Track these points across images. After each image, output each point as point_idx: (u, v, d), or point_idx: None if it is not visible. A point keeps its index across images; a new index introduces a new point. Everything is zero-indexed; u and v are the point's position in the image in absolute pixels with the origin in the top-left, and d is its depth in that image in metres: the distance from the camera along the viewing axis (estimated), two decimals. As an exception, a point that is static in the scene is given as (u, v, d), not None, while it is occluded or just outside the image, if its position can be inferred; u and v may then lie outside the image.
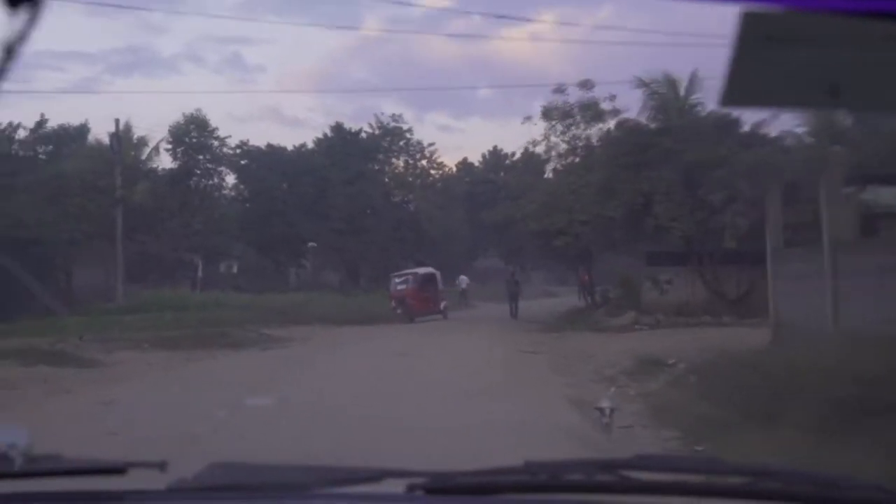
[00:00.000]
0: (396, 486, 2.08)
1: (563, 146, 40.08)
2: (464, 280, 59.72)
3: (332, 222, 61.32)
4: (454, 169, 77.07)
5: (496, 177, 78.51)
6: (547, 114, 39.79)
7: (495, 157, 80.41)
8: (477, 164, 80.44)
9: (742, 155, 30.26)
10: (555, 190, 38.38)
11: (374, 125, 68.87)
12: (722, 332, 28.57)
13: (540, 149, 41.01)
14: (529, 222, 38.93)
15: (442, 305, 44.99)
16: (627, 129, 33.74)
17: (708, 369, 17.68)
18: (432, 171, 72.45)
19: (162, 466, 2.16)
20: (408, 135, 69.64)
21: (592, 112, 38.90)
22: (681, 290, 34.26)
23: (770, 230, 22.72)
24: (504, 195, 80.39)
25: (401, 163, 70.46)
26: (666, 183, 31.75)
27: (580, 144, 39.72)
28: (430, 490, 2.04)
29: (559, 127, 39.77)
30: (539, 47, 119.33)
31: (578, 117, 39.41)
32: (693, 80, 36.26)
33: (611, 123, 38.55)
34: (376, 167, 67.54)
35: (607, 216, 33.06)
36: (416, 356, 24.63)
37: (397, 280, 46.19)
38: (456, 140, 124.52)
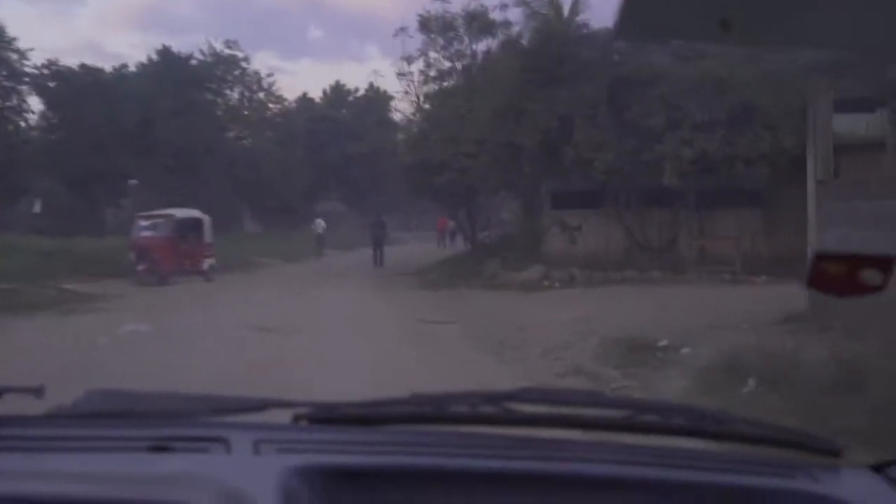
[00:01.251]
0: (281, 416, 1.93)
1: (444, 63, 32.21)
2: (320, 224, 50.68)
3: (158, 158, 51.74)
4: (293, 104, 68.06)
5: (338, 114, 70.02)
6: (425, 24, 31.76)
7: (337, 93, 71.75)
8: (318, 100, 71.60)
9: (683, 69, 23.05)
10: (436, 116, 30.50)
11: (206, 52, 59.40)
12: (672, 290, 21.64)
13: (416, 67, 32.78)
14: (403, 155, 31.08)
15: (206, 264, 31.61)
16: (542, 36, 25.91)
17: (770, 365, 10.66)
18: (270, 105, 63.42)
19: (38, 392, 2.00)
20: (243, 64, 60.39)
21: (481, 23, 31.13)
22: (592, 238, 27.07)
23: (817, 156, 15.50)
24: (347, 133, 72.70)
25: (236, 95, 61.20)
26: (588, 103, 24.31)
27: (464, 62, 31.95)
28: (315, 420, 1.93)
29: (440, 40, 31.87)
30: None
31: (462, 29, 31.61)
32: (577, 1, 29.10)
33: (501, 37, 30.97)
34: (209, 98, 58.08)
35: (514, 145, 25.34)
36: (286, 333, 16.45)
37: (143, 224, 31.60)
38: (287, 83, 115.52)
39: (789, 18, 1.68)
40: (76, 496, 1.52)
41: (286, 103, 65.30)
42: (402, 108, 32.70)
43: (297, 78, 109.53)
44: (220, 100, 59.44)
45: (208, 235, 32.42)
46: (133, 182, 53.21)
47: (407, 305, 21.77)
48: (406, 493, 1.72)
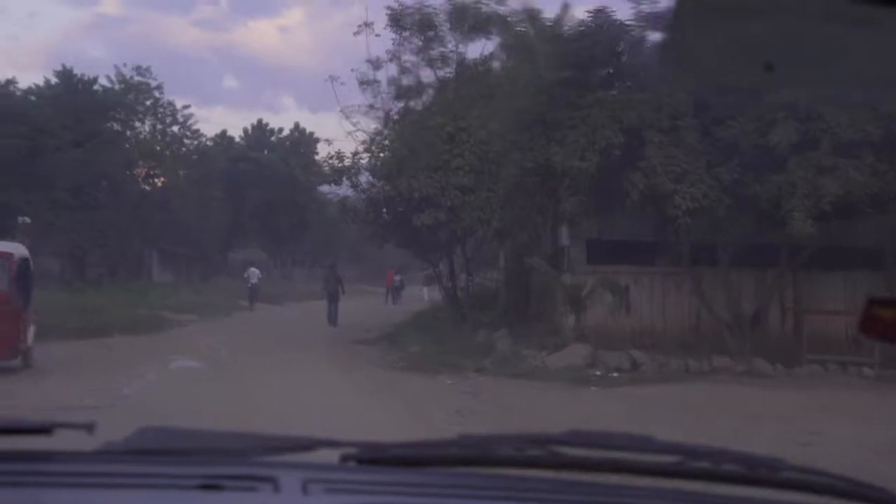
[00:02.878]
0: (329, 457, 1.86)
1: (423, 69, 23.56)
2: (254, 273, 40.79)
3: (54, 193, 41.93)
4: (210, 142, 58.57)
5: (260, 155, 60.82)
6: (396, 19, 23.10)
7: (260, 133, 62.52)
8: (238, 139, 62.25)
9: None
10: (416, 136, 21.80)
11: (115, 77, 49.89)
12: (818, 397, 13.42)
13: (385, 74, 23.88)
14: (375, 187, 22.37)
15: (27, 336, 16.96)
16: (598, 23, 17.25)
17: None
18: (186, 141, 53.97)
19: (89, 428, 1.90)
20: (157, 93, 51.01)
21: (474, 18, 22.68)
22: (645, 306, 18.59)
23: None
24: (269, 175, 63.54)
25: (147, 127, 51.64)
26: (666, 112, 15.91)
27: (448, 69, 23.38)
28: (363, 460, 1.86)
29: (416, 41, 23.28)
30: (289, 40, 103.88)
31: (447, 27, 23.12)
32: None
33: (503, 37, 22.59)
34: (115, 128, 48.44)
35: (550, 170, 16.70)
36: None
37: None
38: (204, 127, 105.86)
39: (832, 61, 1.57)
40: None
41: (203, 140, 55.89)
42: (362, 129, 22.79)
43: (213, 124, 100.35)
44: (128, 131, 49.82)
45: (28, 289, 17.47)
46: (24, 220, 43.22)
47: (418, 414, 12.87)
48: None
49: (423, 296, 51.93)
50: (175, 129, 52.38)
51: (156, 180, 51.89)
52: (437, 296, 51.90)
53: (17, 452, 1.79)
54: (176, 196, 50.80)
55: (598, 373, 16.14)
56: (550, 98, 17.12)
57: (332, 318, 30.17)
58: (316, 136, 62.30)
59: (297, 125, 62.78)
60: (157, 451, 1.85)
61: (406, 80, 23.42)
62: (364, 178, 22.74)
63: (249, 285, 39.79)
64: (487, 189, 20.47)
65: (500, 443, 1.95)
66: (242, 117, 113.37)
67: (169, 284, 47.77)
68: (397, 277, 47.84)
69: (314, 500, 1.64)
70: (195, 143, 54.33)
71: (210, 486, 1.64)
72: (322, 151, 64.99)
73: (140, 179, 50.73)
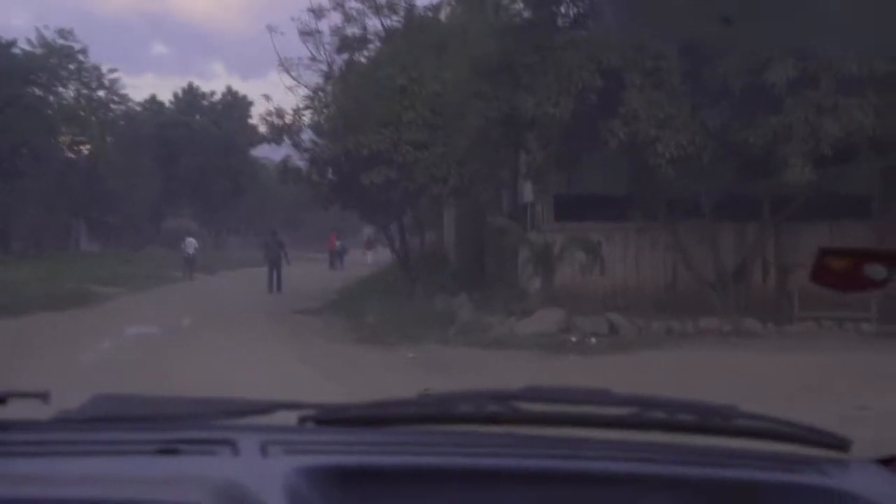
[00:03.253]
0: (288, 419, 1.82)
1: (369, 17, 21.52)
2: (191, 243, 38.24)
3: (-32, 161, 39.21)
4: (139, 108, 55.67)
5: (192, 119, 58.12)
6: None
7: (191, 97, 59.69)
8: (168, 103, 59.38)
9: None
10: (363, 90, 19.80)
11: (36, 41, 46.84)
12: (833, 360, 11.96)
13: (328, 24, 21.73)
14: (319, 145, 20.36)
15: None
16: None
17: None
18: (112, 107, 51.07)
19: (44, 397, 1.86)
20: (80, 57, 48.01)
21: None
22: (619, 265, 16.97)
23: None
24: (202, 141, 60.77)
25: (71, 92, 48.66)
26: (648, 53, 14.15)
27: (396, 16, 21.38)
28: (321, 421, 1.85)
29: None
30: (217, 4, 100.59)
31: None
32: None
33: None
34: (36, 93, 45.46)
35: (517, 119, 14.88)
36: None
37: None
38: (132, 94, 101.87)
39: (788, 16, 1.56)
40: (84, 499, 1.47)
41: (131, 105, 53.00)
42: (304, 84, 20.57)
43: (141, 90, 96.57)
44: (51, 97, 46.83)
45: None
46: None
47: (381, 394, 11.11)
48: (413, 494, 1.65)
49: (365, 260, 50.15)
50: (101, 94, 49.46)
51: (81, 147, 49.08)
52: (381, 259, 50.37)
53: None
54: (103, 163, 48.07)
55: (574, 339, 14.49)
56: (517, 40, 15.32)
57: (276, 285, 28.64)
58: (249, 99, 59.83)
59: (229, 88, 60.35)
60: (114, 418, 1.81)
61: (351, 30, 21.38)
62: (307, 136, 20.75)
63: (186, 255, 37.53)
64: (442, 144, 18.63)
65: (459, 400, 1.92)
66: (172, 85, 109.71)
67: (98, 255, 45.28)
68: (339, 242, 45.83)
69: (273, 462, 1.60)
70: (122, 108, 51.41)
71: (168, 451, 1.61)
72: (259, 111, 62.79)
73: (65, 147, 47.87)
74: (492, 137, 16.19)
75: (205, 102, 59.68)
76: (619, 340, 14.38)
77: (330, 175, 19.95)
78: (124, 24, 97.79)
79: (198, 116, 58.60)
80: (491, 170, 17.57)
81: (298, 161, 21.35)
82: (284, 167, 21.51)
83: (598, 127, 14.11)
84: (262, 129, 20.94)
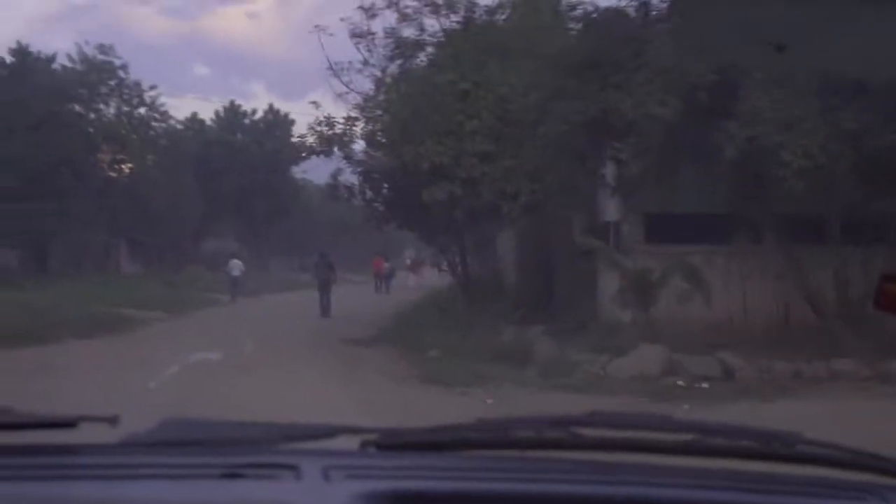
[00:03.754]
0: (350, 443, 1.84)
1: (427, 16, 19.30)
2: (236, 265, 36.67)
3: (7, 181, 37.44)
4: (180, 126, 53.95)
5: (233, 138, 56.37)
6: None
7: (232, 115, 57.98)
8: (210, 121, 57.67)
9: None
10: (421, 96, 17.56)
11: (76, 56, 45.28)
12: None
13: (381, 24, 19.50)
14: (373, 158, 18.17)
15: None
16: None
17: None
18: (154, 125, 49.34)
19: (113, 421, 1.87)
20: (121, 73, 46.34)
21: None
22: (720, 292, 14.57)
23: None
24: (244, 160, 58.97)
25: (112, 110, 46.97)
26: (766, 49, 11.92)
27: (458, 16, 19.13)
28: (382, 446, 1.83)
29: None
30: (257, 26, 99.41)
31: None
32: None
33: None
34: (77, 110, 43.88)
35: (608, 123, 12.58)
36: None
37: None
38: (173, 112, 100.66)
39: (834, 43, 1.54)
40: None
41: (172, 122, 51.25)
42: (355, 90, 18.15)
43: (183, 111, 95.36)
44: (91, 114, 45.22)
45: None
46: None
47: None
48: None
49: (408, 283, 47.93)
50: (142, 111, 47.68)
51: (122, 166, 47.35)
52: (424, 283, 48.09)
53: (43, 446, 1.75)
54: (144, 182, 46.29)
55: (681, 383, 12.13)
56: (603, 34, 13.04)
57: (325, 310, 27.01)
58: (291, 117, 58.00)
59: (270, 107, 58.34)
60: (179, 442, 1.81)
61: (407, 31, 19.16)
62: (359, 147, 18.59)
63: (231, 277, 35.81)
64: (511, 156, 16.39)
65: (519, 425, 1.92)
66: (213, 106, 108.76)
67: (138, 276, 43.48)
68: (387, 264, 43.69)
69: (335, 487, 1.60)
70: (163, 126, 49.61)
71: (231, 475, 1.61)
72: (306, 121, 60.91)
73: (105, 165, 46.18)
74: (573, 145, 13.90)
75: (246, 121, 57.92)
76: (737, 385, 11.99)
77: (384, 190, 17.74)
78: (165, 46, 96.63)
79: (239, 135, 56.85)
80: (570, 184, 15.28)
81: (350, 175, 19.17)
82: (335, 182, 19.32)
83: (707, 131, 11.77)
84: (311, 139, 18.77)
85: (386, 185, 17.57)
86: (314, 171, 72.55)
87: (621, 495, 1.66)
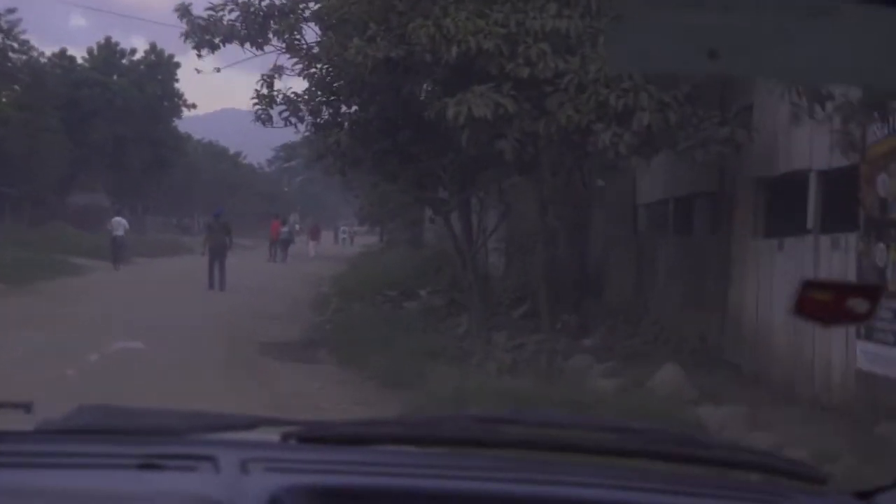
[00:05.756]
0: (271, 434, 1.72)
1: None
2: (120, 223, 29.30)
3: None
4: (45, 60, 44.87)
5: (109, 79, 47.65)
6: None
7: (108, 53, 49.01)
8: (81, 60, 48.62)
9: None
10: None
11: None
12: None
13: None
14: (335, 46, 10.52)
15: None
16: None
17: None
18: (12, 55, 40.33)
19: (27, 407, 1.75)
20: (-28, -9, 37.32)
21: None
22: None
23: None
24: (121, 105, 50.14)
25: (-43, 33, 37.89)
26: None
27: None
28: (304, 439, 1.72)
29: None
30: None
31: None
32: None
33: None
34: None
35: None
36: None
37: None
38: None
39: (771, 51, 1.51)
40: None
41: (36, 56, 42.29)
42: None
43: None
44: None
45: None
46: None
47: None
48: None
49: (308, 252, 40.77)
50: (-3, 38, 38.72)
51: (-32, 101, 38.41)
52: (323, 251, 40.78)
53: None
54: (-2, 123, 37.52)
55: None
56: None
57: (219, 281, 21.30)
58: (176, 59, 49.63)
59: (153, 46, 49.61)
60: (96, 430, 1.71)
61: None
62: (311, 36, 11.05)
63: (113, 237, 29.02)
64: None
65: (444, 422, 1.86)
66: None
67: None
68: (284, 228, 36.29)
69: (254, 479, 1.51)
70: (24, 58, 40.64)
71: (150, 466, 1.54)
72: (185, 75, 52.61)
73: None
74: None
75: (125, 61, 49.14)
76: None
77: (353, 108, 10.33)
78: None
79: (116, 77, 48.09)
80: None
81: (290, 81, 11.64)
82: (266, 94, 11.28)
83: None
84: (232, 20, 10.88)
85: (358, 97, 10.13)
86: (193, 124, 63.67)
87: (541, 495, 1.62)
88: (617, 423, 1.91)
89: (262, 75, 10.50)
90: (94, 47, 48.47)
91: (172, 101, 49.63)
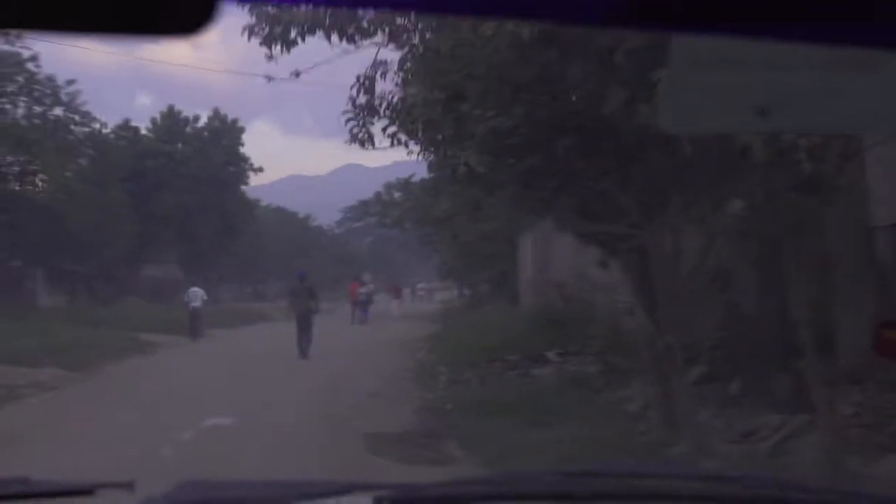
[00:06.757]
0: (365, 499, 1.71)
1: None
2: (197, 294, 27.35)
3: None
4: (109, 132, 43.02)
5: (173, 148, 45.74)
6: None
7: (172, 122, 47.17)
8: (145, 131, 46.84)
9: None
10: None
11: (-27, 45, 34.31)
12: None
13: None
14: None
15: None
16: None
17: None
18: (74, 128, 38.50)
19: (130, 486, 1.79)
20: (31, 66, 35.51)
21: None
22: None
23: None
24: (186, 173, 48.17)
25: (20, 109, 36.10)
26: None
27: None
28: (397, 501, 1.73)
29: None
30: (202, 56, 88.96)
31: None
32: None
33: None
34: (-26, 108, 33.08)
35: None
36: None
37: None
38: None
39: (820, 104, 1.50)
40: None
41: (98, 128, 40.44)
42: None
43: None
44: (-6, 116, 34.40)
45: None
46: None
47: None
48: None
49: (391, 311, 37.92)
50: (58, 111, 36.85)
51: (34, 178, 36.51)
52: (411, 311, 37.85)
53: None
54: (64, 198, 35.50)
55: None
56: None
57: (305, 351, 19.18)
58: (241, 123, 47.63)
59: (216, 112, 47.69)
60: None
61: None
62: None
63: (191, 309, 27.04)
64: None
65: (532, 478, 1.83)
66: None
67: (56, 311, 32.68)
68: (362, 289, 33.43)
69: None
70: (86, 130, 38.77)
71: None
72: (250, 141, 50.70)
73: (11, 177, 35.36)
74: None
75: (188, 129, 47.20)
76: None
77: (487, 114, 7.08)
78: (108, 77, 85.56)
79: (180, 145, 46.15)
80: None
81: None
82: (367, 95, 7.80)
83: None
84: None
85: (497, 97, 6.85)
86: (260, 192, 61.63)
87: None
88: (711, 472, 2.04)
89: (359, 77, 7.59)
90: (157, 117, 46.59)
91: (239, 166, 47.52)
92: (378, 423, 10.53)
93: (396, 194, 52.33)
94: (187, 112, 47.82)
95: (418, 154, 8.89)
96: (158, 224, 44.43)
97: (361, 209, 69.38)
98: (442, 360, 16.00)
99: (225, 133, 47.07)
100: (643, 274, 7.90)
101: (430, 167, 8.64)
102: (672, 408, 7.67)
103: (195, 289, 27.86)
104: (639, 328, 8.78)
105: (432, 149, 7.78)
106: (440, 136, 7.23)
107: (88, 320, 27.75)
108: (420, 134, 7.48)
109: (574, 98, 6.60)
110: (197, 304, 27.00)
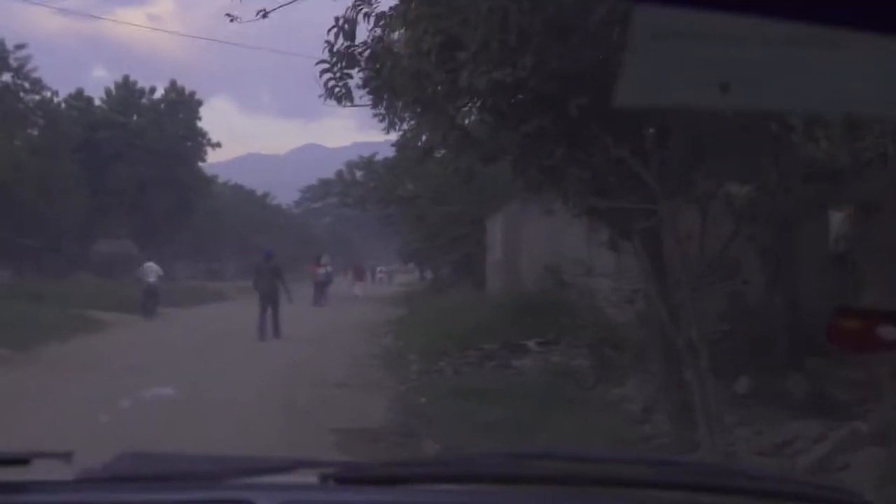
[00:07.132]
0: (309, 476, 1.65)
1: None
2: (152, 269, 25.79)
3: None
4: (61, 101, 41.17)
5: (128, 120, 44.04)
6: None
7: (126, 92, 45.33)
8: (99, 102, 44.94)
9: None
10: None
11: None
12: None
13: None
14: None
15: None
16: None
17: None
18: (23, 95, 36.72)
19: (67, 457, 1.71)
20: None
21: None
22: None
23: None
24: (141, 146, 46.41)
25: (-35, 74, 34.28)
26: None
27: None
28: (342, 480, 1.66)
29: None
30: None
31: None
32: None
33: None
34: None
35: None
36: None
37: None
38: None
39: (783, 81, 1.48)
40: None
41: (50, 96, 38.64)
42: None
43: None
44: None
45: None
46: None
47: None
48: None
49: (354, 291, 36.75)
50: (6, 77, 35.10)
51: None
52: (373, 292, 36.75)
53: None
54: (11, 168, 33.82)
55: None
56: None
57: (273, 329, 18.44)
58: (198, 97, 46.01)
59: (173, 83, 45.98)
60: (135, 478, 1.69)
61: None
62: None
63: (145, 285, 25.47)
64: None
65: (479, 460, 1.79)
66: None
67: (4, 285, 31.16)
68: (321, 270, 32.18)
69: None
70: (37, 98, 37.00)
71: None
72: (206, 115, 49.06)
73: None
74: None
75: (144, 101, 45.46)
76: None
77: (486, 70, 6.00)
78: (63, 47, 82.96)
79: (135, 117, 44.42)
80: None
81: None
82: (347, 39, 6.68)
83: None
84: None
85: (501, 49, 5.68)
86: (217, 170, 59.87)
87: None
88: (657, 457, 1.96)
89: (337, 19, 6.42)
90: (112, 87, 44.82)
91: (196, 141, 45.93)
92: (347, 417, 9.47)
93: (359, 173, 51.12)
94: (143, 83, 46.04)
95: (392, 119, 7.81)
96: (111, 197, 42.80)
97: (322, 188, 67.97)
98: (410, 347, 14.92)
99: (182, 106, 45.44)
100: (657, 257, 6.89)
101: (397, 145, 7.59)
102: (688, 411, 6.69)
103: (150, 264, 26.48)
104: (644, 319, 7.81)
105: (418, 109, 6.64)
106: (430, 91, 6.13)
107: (34, 296, 26.22)
108: (406, 89, 6.36)
109: (592, 49, 5.56)
110: (152, 279, 25.64)
